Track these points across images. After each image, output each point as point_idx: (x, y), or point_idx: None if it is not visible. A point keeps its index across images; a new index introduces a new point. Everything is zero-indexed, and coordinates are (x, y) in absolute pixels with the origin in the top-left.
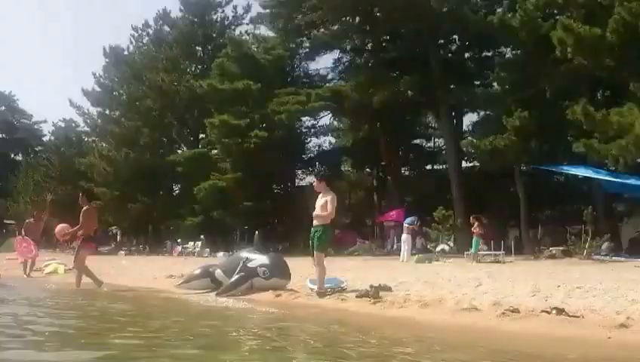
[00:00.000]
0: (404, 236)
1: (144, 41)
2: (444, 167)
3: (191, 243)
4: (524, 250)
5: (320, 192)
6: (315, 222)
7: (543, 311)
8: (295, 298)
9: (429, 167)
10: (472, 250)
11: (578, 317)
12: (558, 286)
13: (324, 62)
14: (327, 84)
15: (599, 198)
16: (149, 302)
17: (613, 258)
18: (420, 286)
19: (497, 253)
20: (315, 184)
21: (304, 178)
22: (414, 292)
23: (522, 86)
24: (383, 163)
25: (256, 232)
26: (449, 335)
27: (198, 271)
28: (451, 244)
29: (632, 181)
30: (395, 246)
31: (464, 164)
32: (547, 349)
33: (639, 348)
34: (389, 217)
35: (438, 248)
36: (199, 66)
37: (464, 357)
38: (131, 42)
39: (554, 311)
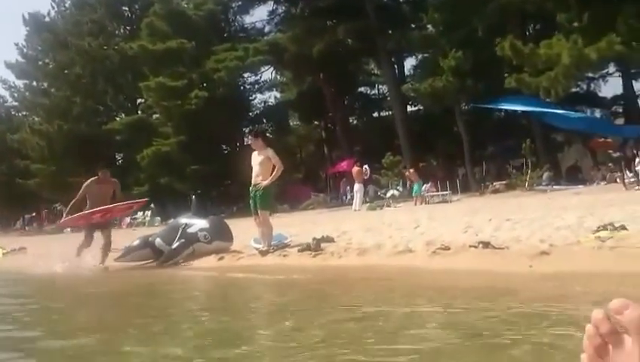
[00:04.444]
0: (356, 185)
1: (66, 5)
2: (390, 113)
3: (140, 214)
4: (471, 188)
5: (256, 150)
6: (254, 181)
7: (471, 246)
8: (238, 259)
9: (375, 114)
10: (415, 193)
11: (503, 248)
12: (490, 220)
13: (259, 15)
14: (265, 38)
15: (538, 131)
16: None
17: (554, 187)
18: (363, 233)
19: (444, 193)
20: (252, 141)
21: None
22: (356, 241)
23: (455, 26)
24: (330, 114)
25: (193, 197)
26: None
27: (137, 242)
28: (400, 189)
29: (566, 112)
30: (349, 197)
31: (409, 108)
32: (470, 281)
33: (556, 273)
34: (341, 168)
35: (389, 194)
36: (128, 27)
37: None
38: (52, 7)
39: (480, 245)
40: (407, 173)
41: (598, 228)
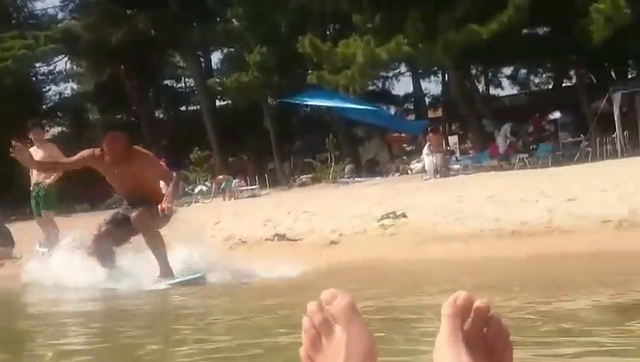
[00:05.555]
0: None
1: None
2: (198, 107)
3: None
4: (280, 182)
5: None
6: (36, 179)
7: (267, 240)
8: (20, 265)
9: (183, 108)
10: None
11: (297, 240)
12: (289, 212)
13: (51, 1)
14: (59, 25)
15: (340, 126)
16: None
17: (355, 179)
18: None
19: (253, 187)
20: (33, 134)
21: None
22: None
23: (259, 22)
24: (133, 107)
25: None
26: None
27: None
28: (209, 184)
29: (364, 108)
30: None
31: (218, 102)
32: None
33: (344, 262)
34: None
35: (196, 189)
36: None
37: None
38: None
39: (276, 238)
40: (215, 181)
41: (383, 216)
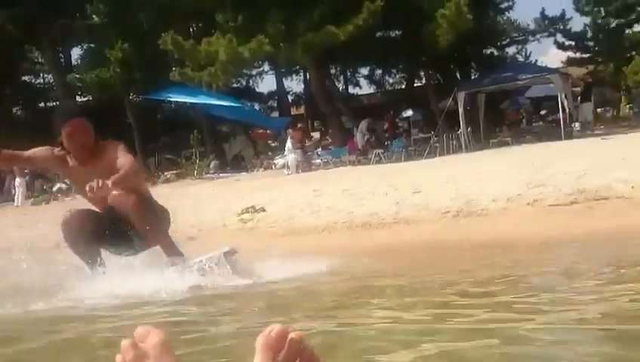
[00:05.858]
0: (17, 180)
1: None
2: (57, 103)
3: None
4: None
5: None
6: None
7: None
8: None
9: (42, 104)
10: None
11: None
12: None
13: None
14: None
15: (204, 122)
16: None
17: (220, 175)
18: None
19: None
20: None
21: None
22: None
23: (121, 18)
24: None
25: None
26: None
27: None
28: (67, 182)
29: (229, 104)
30: (14, 192)
31: (80, 98)
32: None
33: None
34: None
35: (55, 187)
36: None
37: None
38: None
39: None
40: None
41: (243, 211)
